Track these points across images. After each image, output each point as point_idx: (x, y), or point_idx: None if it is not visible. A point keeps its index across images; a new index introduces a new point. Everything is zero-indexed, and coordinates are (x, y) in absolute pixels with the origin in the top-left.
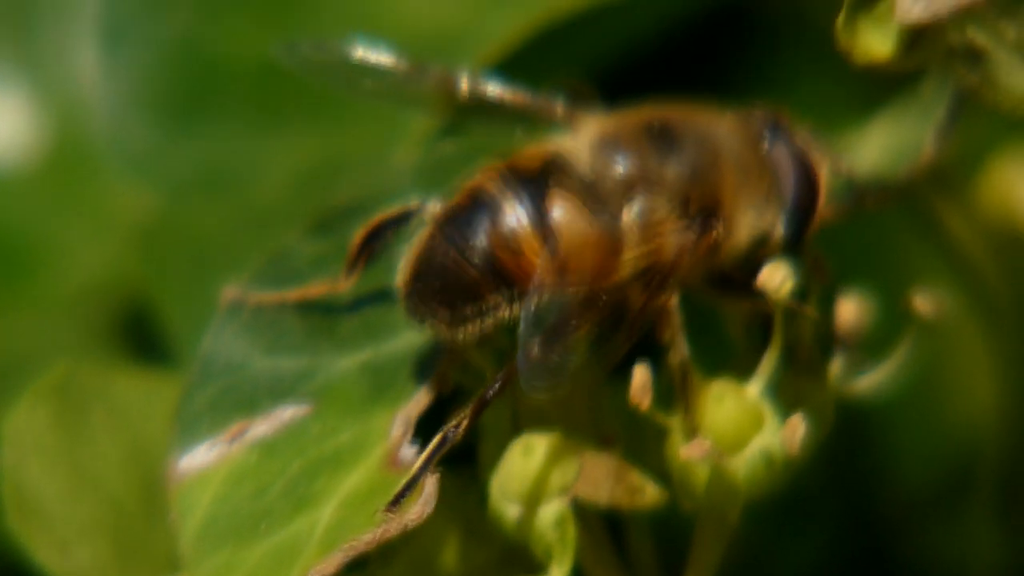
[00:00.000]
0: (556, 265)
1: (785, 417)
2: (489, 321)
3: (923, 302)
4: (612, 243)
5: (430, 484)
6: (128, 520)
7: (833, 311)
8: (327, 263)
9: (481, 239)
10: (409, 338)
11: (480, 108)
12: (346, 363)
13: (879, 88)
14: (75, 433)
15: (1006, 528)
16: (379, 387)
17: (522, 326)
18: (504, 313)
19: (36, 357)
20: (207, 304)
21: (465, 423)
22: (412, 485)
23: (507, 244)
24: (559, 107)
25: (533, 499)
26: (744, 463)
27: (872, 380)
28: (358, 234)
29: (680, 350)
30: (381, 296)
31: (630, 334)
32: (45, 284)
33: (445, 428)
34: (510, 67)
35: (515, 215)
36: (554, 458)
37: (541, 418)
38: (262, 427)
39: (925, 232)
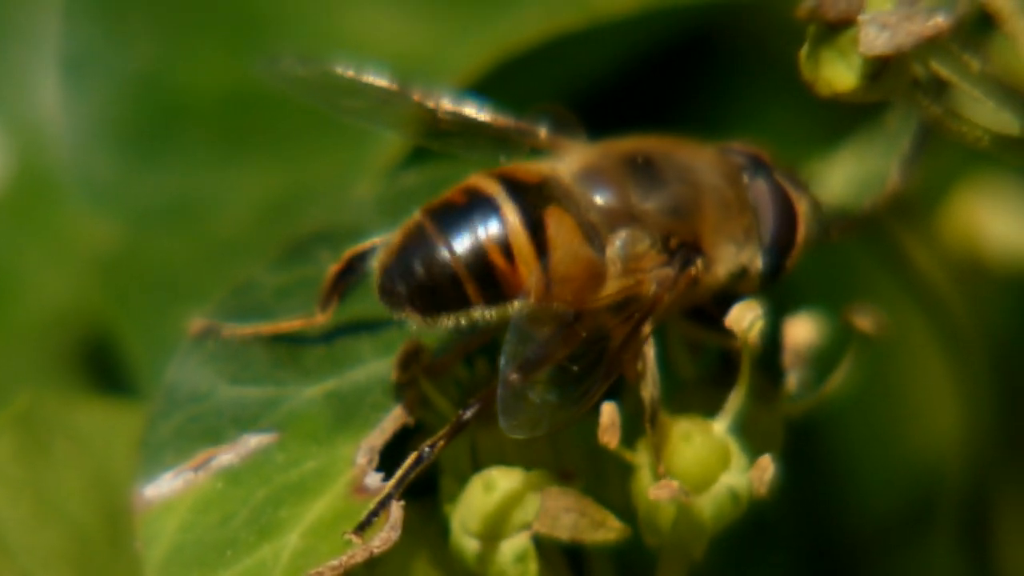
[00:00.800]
0: (546, 279)
1: (752, 454)
2: (463, 319)
3: (862, 318)
4: (597, 271)
5: (396, 510)
6: (92, 549)
7: (784, 334)
8: (291, 294)
9: (477, 236)
10: (373, 368)
11: (458, 131)
12: (311, 392)
13: (844, 119)
14: (38, 463)
15: (967, 555)
16: (344, 417)
17: (504, 347)
18: (479, 314)
19: None
20: (169, 335)
21: (441, 444)
22: (381, 507)
23: (501, 246)
24: (543, 132)
25: (494, 534)
26: (711, 501)
27: (819, 400)
28: (330, 270)
29: (651, 385)
30: (346, 327)
31: (609, 371)
32: (7, 314)
33: (420, 449)
34: (477, 94)
35: (515, 220)
36: (515, 493)
37: (501, 453)
38: (227, 456)
39: (889, 261)
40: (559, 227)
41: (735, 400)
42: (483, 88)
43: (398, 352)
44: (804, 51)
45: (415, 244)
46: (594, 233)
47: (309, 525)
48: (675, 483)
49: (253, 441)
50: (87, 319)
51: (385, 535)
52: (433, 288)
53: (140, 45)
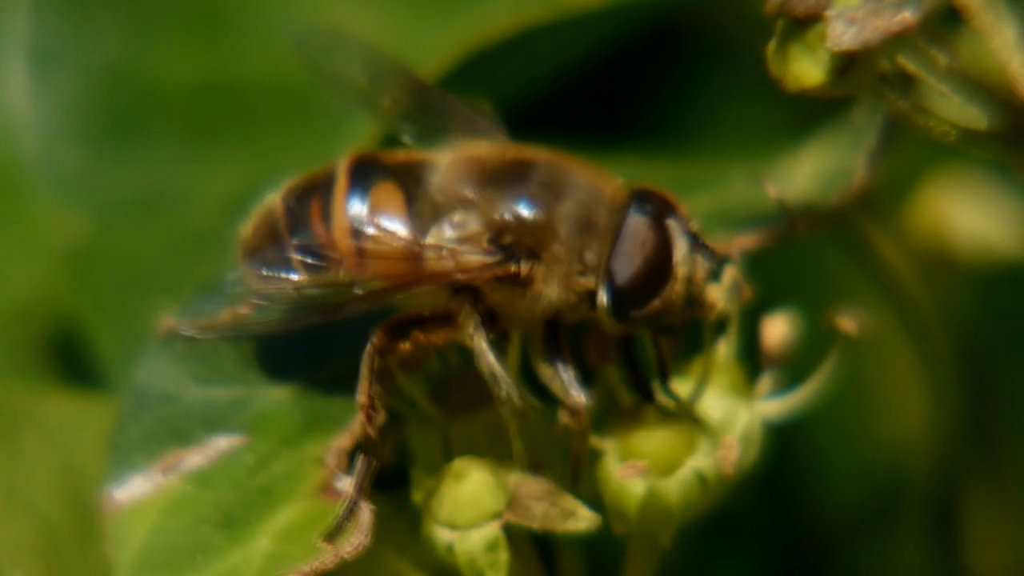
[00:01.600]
0: (358, 249)
1: (717, 439)
2: (289, 280)
3: (846, 320)
4: (413, 252)
5: (366, 514)
6: (60, 542)
7: (760, 332)
8: None
9: (307, 199)
10: (341, 367)
11: (419, 119)
12: (279, 393)
13: (811, 113)
14: (6, 456)
15: (934, 548)
16: (312, 417)
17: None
18: (301, 277)
19: None
20: (138, 327)
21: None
22: (350, 513)
23: (322, 212)
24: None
25: (465, 524)
26: (678, 485)
27: (799, 399)
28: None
29: (502, 383)
30: (314, 326)
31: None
32: None
33: (370, 453)
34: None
35: (341, 189)
36: (486, 483)
37: (472, 444)
38: (196, 458)
39: (856, 255)
40: (386, 204)
41: (699, 385)
42: (452, 80)
43: (366, 350)
44: (772, 46)
45: (264, 213)
46: (425, 217)
47: (280, 528)
48: (642, 463)
49: (222, 443)
50: (55, 311)
51: (356, 540)
52: (265, 251)
53: (108, 38)
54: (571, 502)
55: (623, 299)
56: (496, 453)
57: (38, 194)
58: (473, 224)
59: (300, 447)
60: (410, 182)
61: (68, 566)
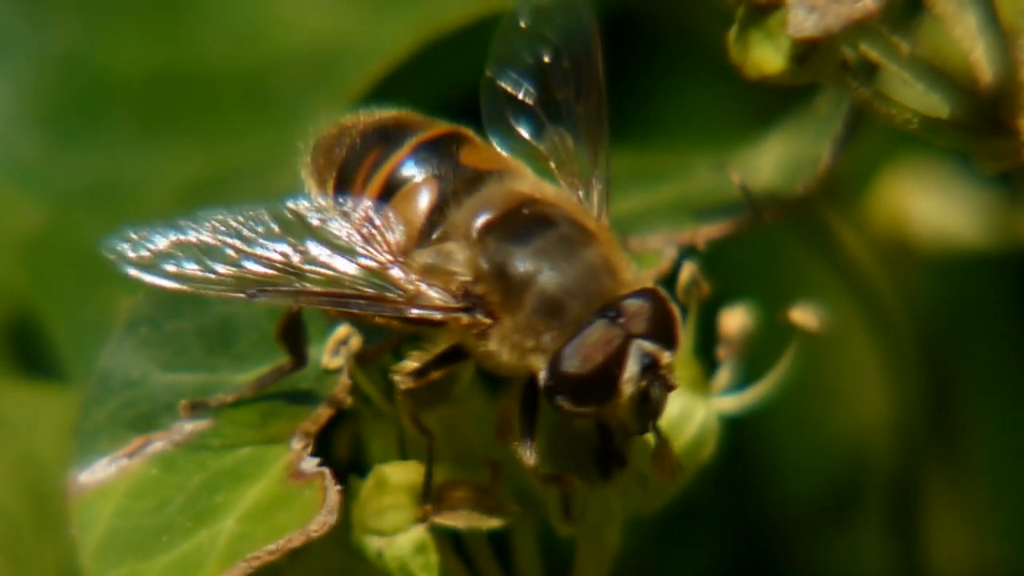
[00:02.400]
0: (375, 210)
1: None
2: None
3: (802, 314)
4: (389, 259)
5: (333, 494)
6: (18, 532)
7: (718, 325)
8: None
9: (365, 144)
10: (307, 353)
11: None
12: (244, 378)
13: (773, 102)
14: None
15: (894, 538)
16: (277, 401)
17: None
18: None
19: None
20: (93, 317)
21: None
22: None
23: (373, 165)
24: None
25: (391, 530)
26: (616, 487)
27: (757, 392)
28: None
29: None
30: (277, 311)
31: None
32: None
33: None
34: (399, 79)
35: (398, 155)
36: (408, 487)
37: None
38: (162, 442)
39: (817, 245)
40: (421, 193)
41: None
42: (409, 70)
43: (330, 339)
44: (732, 33)
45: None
46: (426, 234)
47: (245, 510)
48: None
49: (188, 427)
50: (10, 301)
51: (322, 519)
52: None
53: (63, 26)
54: (496, 499)
55: (560, 394)
56: (453, 452)
57: None
58: (455, 263)
59: (265, 431)
60: (449, 192)
61: (26, 556)
